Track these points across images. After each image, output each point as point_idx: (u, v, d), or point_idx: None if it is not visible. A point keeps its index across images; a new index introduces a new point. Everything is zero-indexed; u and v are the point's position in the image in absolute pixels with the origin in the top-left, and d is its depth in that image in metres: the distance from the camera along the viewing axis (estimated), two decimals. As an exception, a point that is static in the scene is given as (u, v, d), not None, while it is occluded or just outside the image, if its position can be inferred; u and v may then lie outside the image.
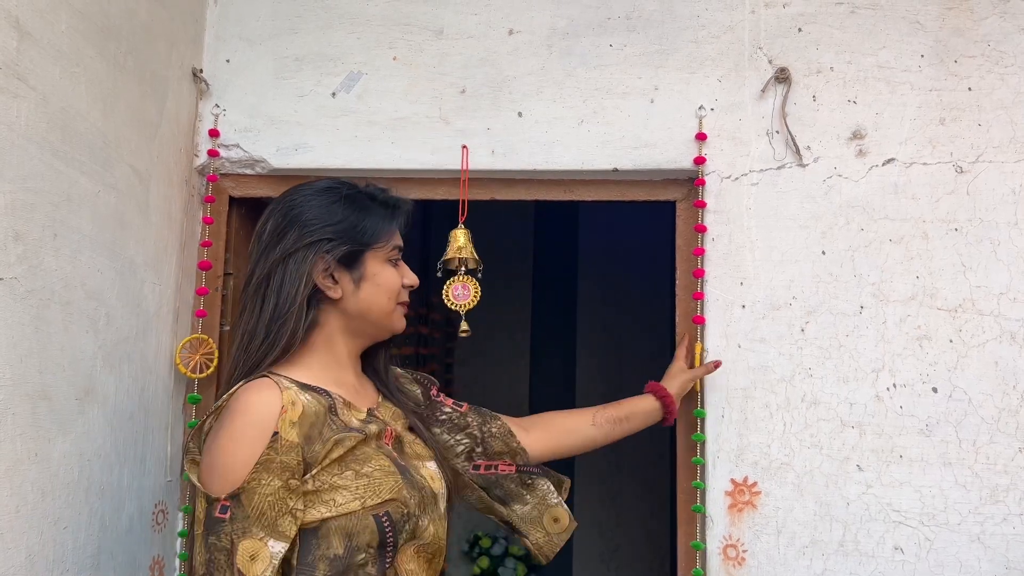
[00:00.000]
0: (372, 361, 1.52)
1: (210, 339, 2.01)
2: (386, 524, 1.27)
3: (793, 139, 1.92)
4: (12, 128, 1.42)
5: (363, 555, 1.25)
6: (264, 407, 1.22)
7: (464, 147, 1.99)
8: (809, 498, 1.82)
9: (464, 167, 1.98)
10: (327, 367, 1.40)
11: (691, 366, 1.87)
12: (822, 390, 1.85)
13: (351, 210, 1.39)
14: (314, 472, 1.24)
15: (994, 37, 1.91)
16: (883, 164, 1.90)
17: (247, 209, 2.18)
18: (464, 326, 1.90)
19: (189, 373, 1.97)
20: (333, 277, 1.37)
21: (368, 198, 1.44)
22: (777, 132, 1.93)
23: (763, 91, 1.95)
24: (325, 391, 1.35)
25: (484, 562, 4.27)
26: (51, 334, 1.52)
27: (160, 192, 1.90)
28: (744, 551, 1.82)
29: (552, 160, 1.98)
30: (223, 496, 1.18)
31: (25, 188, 1.46)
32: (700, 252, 1.91)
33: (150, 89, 1.86)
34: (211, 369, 2.00)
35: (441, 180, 2.04)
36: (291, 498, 1.21)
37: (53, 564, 1.53)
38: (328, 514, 1.24)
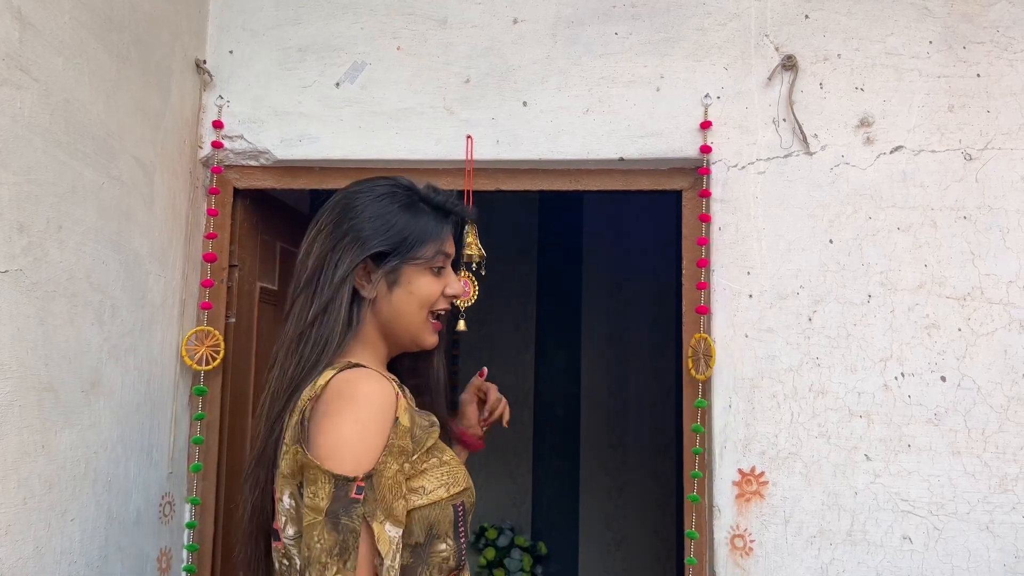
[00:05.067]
0: (414, 370, 1.49)
1: (215, 331, 2.01)
2: (460, 513, 1.30)
3: (800, 127, 1.90)
4: (16, 120, 1.42)
5: (443, 545, 1.26)
6: (386, 395, 1.24)
7: (469, 137, 1.98)
8: (817, 488, 1.82)
9: (469, 157, 1.97)
10: (380, 363, 1.40)
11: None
12: (830, 379, 1.84)
13: (402, 218, 1.36)
14: (413, 459, 1.26)
15: (1003, 23, 1.89)
16: (891, 152, 1.89)
17: (251, 200, 2.18)
18: (461, 324, 1.91)
19: (195, 365, 1.97)
20: (371, 277, 1.35)
21: (424, 203, 1.40)
22: (784, 120, 1.92)
23: (770, 79, 1.93)
24: (400, 381, 1.37)
25: (490, 553, 4.28)
26: (56, 326, 1.52)
27: (164, 184, 1.90)
28: (752, 541, 1.81)
29: (557, 149, 1.97)
30: (360, 477, 1.18)
31: (29, 180, 1.45)
32: (702, 241, 1.90)
33: (153, 80, 1.85)
34: (217, 361, 2.00)
35: (446, 170, 2.03)
36: (404, 483, 1.23)
37: (61, 556, 1.53)
38: (419, 502, 1.25)
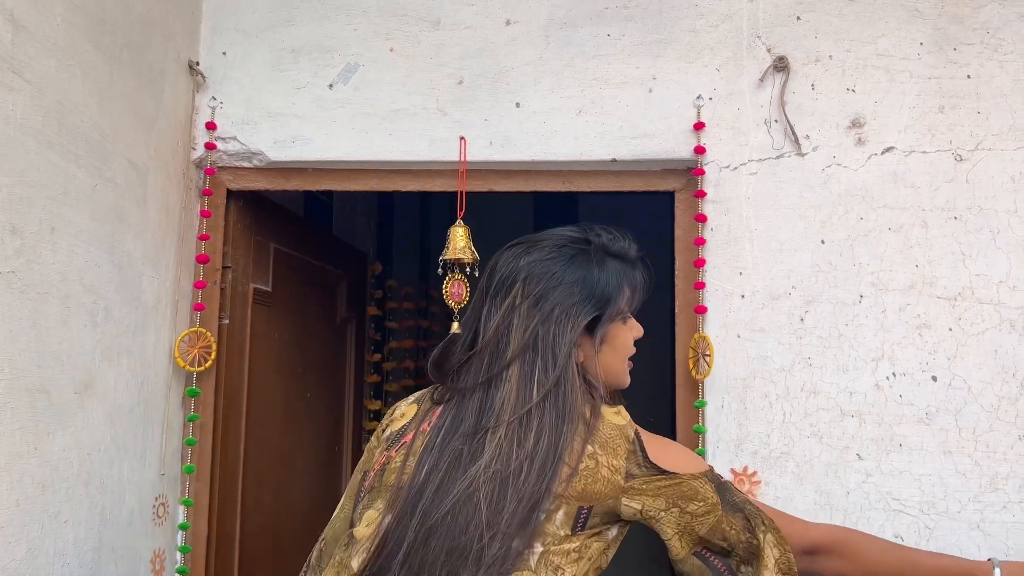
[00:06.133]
0: None
1: (208, 332, 2.01)
2: None
3: (792, 128, 1.91)
4: (8, 122, 1.42)
5: None
6: None
7: (462, 138, 1.99)
8: (809, 487, 1.82)
9: (462, 158, 1.98)
10: None
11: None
12: (822, 379, 1.85)
13: (601, 276, 1.37)
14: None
15: (993, 24, 1.90)
16: (882, 153, 1.89)
17: (245, 202, 2.18)
18: (455, 326, 1.91)
19: (188, 367, 1.97)
20: (578, 342, 1.35)
21: (605, 253, 1.39)
22: (776, 121, 1.92)
23: (762, 80, 1.94)
24: None
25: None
26: (49, 328, 1.52)
27: (158, 185, 1.90)
28: (744, 540, 1.82)
29: (550, 151, 1.98)
30: (712, 468, 1.28)
31: (22, 182, 1.45)
32: (699, 242, 1.91)
33: (146, 82, 1.85)
34: (209, 362, 2.00)
35: (439, 171, 2.04)
36: None
37: (54, 557, 1.53)
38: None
